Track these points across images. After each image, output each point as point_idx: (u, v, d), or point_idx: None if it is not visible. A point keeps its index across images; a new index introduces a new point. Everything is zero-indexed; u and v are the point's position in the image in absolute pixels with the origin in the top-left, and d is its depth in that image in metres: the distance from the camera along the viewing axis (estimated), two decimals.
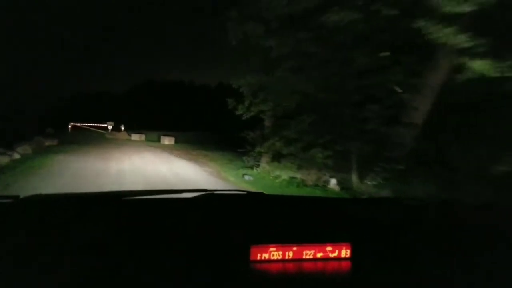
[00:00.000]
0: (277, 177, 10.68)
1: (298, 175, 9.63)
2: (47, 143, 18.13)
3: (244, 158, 13.57)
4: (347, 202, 2.38)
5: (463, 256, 1.10)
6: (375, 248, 1.11)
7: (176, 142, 27.60)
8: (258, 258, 0.95)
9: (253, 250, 0.95)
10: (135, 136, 30.23)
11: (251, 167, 12.94)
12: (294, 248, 0.98)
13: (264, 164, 12.35)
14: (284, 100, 10.21)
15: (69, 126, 33.24)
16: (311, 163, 8.82)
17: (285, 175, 10.01)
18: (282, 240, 1.00)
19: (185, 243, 1.03)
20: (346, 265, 1.00)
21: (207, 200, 1.44)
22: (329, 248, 1.01)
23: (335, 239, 1.03)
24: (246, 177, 11.12)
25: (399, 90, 7.84)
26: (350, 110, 8.12)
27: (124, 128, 32.23)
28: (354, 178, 8.29)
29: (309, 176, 9.18)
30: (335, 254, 1.01)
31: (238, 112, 12.60)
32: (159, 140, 28.32)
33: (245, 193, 1.68)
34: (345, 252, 1.01)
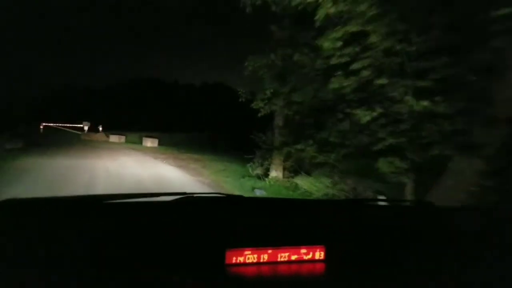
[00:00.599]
0: (295, 189, 8.32)
1: (333, 191, 7.18)
2: (8, 146, 15.20)
3: (249, 165, 10.94)
4: (326, 204, 2.33)
5: (437, 258, 1.13)
6: (349, 250, 1.11)
7: (160, 144, 24.85)
8: (234, 261, 0.98)
9: (228, 253, 0.98)
10: (114, 138, 27.33)
11: (258, 177, 10.35)
12: (269, 251, 1.02)
13: (277, 173, 9.95)
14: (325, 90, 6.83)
15: (41, 126, 30.25)
16: (360, 175, 6.38)
17: (315, 189, 7.50)
18: (257, 243, 1.02)
19: (161, 247, 0.99)
20: (320, 267, 1.05)
21: (185, 203, 1.38)
22: (303, 251, 1.05)
23: (310, 242, 1.07)
24: (258, 192, 8.49)
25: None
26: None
27: (102, 129, 29.29)
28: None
29: (351, 193, 6.72)
30: (309, 256, 1.06)
31: (256, 106, 9.45)
32: (141, 142, 25.52)
33: (224, 196, 1.60)
34: (319, 254, 1.06)
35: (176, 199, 1.36)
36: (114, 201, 1.36)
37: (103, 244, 0.97)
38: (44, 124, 30.85)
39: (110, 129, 29.28)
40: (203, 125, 40.17)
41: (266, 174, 10.31)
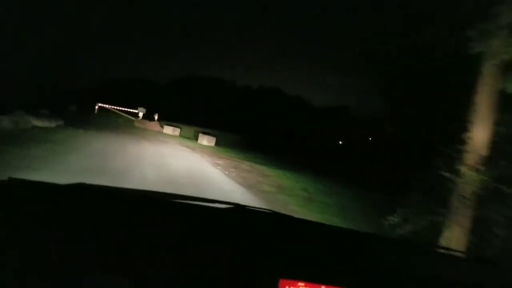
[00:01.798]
0: None
1: None
2: (37, 123, 12.36)
3: (390, 218, 6.20)
4: (389, 244, 1.74)
5: None
6: None
7: (217, 144, 21.33)
8: None
9: (281, 283, 0.92)
10: (168, 129, 24.43)
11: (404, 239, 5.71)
12: None
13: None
14: None
15: (96, 107, 28.38)
16: None
17: None
18: (311, 276, 0.96)
19: (212, 258, 0.94)
20: None
21: (236, 214, 1.32)
22: None
23: (364, 285, 0.99)
24: None
25: None
26: None
27: (158, 118, 26.63)
28: None
29: None
30: None
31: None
32: (196, 138, 22.20)
33: (274, 213, 1.44)
34: None
35: (227, 208, 1.32)
36: (179, 201, 1.34)
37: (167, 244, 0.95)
38: (99, 105, 28.99)
39: (165, 119, 26.51)
40: (259, 129, 36.62)
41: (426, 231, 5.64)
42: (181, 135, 24.01)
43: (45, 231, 0.89)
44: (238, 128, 31.82)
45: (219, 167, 11.83)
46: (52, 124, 13.70)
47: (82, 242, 0.89)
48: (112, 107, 29.07)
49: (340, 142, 39.60)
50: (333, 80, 65.74)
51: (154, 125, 25.84)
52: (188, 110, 40.76)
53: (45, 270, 0.80)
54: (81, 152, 9.37)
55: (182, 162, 11.44)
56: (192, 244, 0.98)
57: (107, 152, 10.36)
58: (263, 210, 1.45)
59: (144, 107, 27.94)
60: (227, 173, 10.92)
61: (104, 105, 29.03)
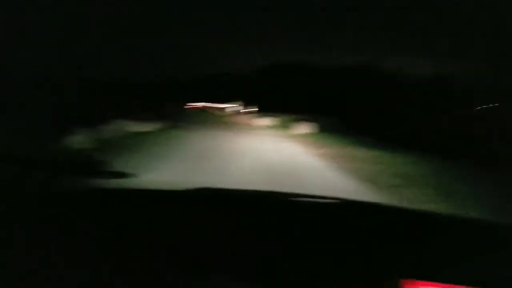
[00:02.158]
0: None
1: None
2: (136, 128, 12.29)
3: None
4: None
5: None
6: None
7: (314, 131, 19.03)
8: None
9: (403, 284, 0.85)
10: (259, 120, 23.12)
11: None
12: None
13: None
14: None
15: (185, 107, 28.91)
16: None
17: None
18: (435, 276, 0.87)
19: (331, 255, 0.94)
20: None
21: (344, 209, 1.26)
22: None
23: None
24: None
25: None
26: None
27: (250, 111, 25.72)
28: None
29: None
30: None
31: None
32: (290, 127, 20.31)
33: (386, 206, 1.36)
34: None
35: (335, 203, 1.28)
36: (298, 199, 1.32)
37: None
38: (189, 104, 29.49)
39: (256, 111, 25.40)
40: (357, 110, 32.89)
41: None
42: (273, 125, 22.47)
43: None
44: (334, 112, 29.02)
45: (323, 158, 9.66)
46: (151, 127, 13.77)
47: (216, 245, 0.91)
48: (202, 105, 29.35)
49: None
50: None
51: (245, 118, 24.96)
52: (279, 98, 39.34)
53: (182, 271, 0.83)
54: (185, 153, 9.28)
55: (280, 155, 9.66)
56: (312, 242, 0.96)
57: (209, 151, 10.06)
58: (369, 202, 1.37)
59: (233, 100, 27.46)
60: (335, 165, 8.69)
61: (192, 104, 29.46)
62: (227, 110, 27.45)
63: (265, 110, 24.86)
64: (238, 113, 26.40)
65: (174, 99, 30.42)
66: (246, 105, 26.46)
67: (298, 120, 20.57)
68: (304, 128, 18.91)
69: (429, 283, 0.84)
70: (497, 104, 23.28)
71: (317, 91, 42.88)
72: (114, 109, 15.19)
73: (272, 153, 10.07)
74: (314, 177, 7.10)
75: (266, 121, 22.90)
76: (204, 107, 29.66)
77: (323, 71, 49.96)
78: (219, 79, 56.44)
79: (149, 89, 35.92)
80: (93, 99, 17.96)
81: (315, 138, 15.95)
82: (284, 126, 21.24)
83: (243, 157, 8.96)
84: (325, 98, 39.51)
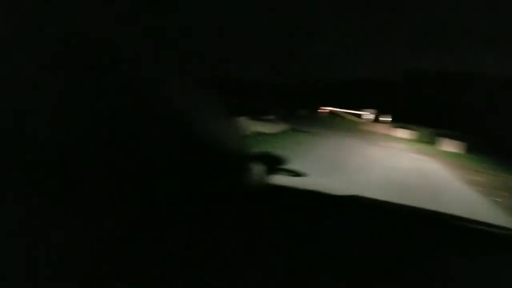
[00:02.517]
0: None
1: None
2: (260, 128, 12.33)
3: None
4: None
5: None
6: None
7: (465, 150, 16.68)
8: None
9: None
10: (399, 132, 21.50)
11: None
12: None
13: None
14: None
15: (321, 110, 28.94)
16: None
17: None
18: None
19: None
20: None
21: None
22: None
23: None
24: None
25: None
26: None
27: (386, 119, 24.18)
28: None
29: None
30: None
31: None
32: (434, 142, 18.28)
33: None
34: None
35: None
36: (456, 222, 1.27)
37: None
38: (322, 108, 29.39)
39: (396, 121, 23.66)
40: None
41: None
42: (415, 139, 20.55)
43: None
44: (487, 129, 24.64)
45: (480, 188, 8.33)
46: (277, 129, 13.51)
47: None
48: (337, 109, 28.89)
49: None
50: None
51: (382, 128, 23.50)
52: (420, 109, 35.80)
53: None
54: (307, 159, 8.55)
55: (420, 178, 8.74)
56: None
57: (339, 159, 9.49)
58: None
59: (371, 108, 26.21)
60: (499, 200, 7.37)
61: (329, 108, 29.24)
62: (363, 117, 26.39)
63: (403, 120, 22.97)
64: (374, 121, 25.09)
65: (308, 102, 30.88)
66: (383, 113, 24.92)
67: (441, 135, 18.33)
68: (450, 146, 16.80)
69: None
70: None
71: (468, 104, 37.35)
72: (242, 108, 15.87)
73: (410, 170, 9.26)
74: (459, 208, 6.21)
75: (405, 133, 21.16)
76: (337, 112, 29.25)
77: (480, 82, 43.25)
78: (356, 84, 54.72)
79: (285, 91, 37.38)
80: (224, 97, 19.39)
81: (463, 159, 13.99)
82: (426, 141, 19.27)
83: (374, 170, 8.46)
84: (478, 113, 34.08)
